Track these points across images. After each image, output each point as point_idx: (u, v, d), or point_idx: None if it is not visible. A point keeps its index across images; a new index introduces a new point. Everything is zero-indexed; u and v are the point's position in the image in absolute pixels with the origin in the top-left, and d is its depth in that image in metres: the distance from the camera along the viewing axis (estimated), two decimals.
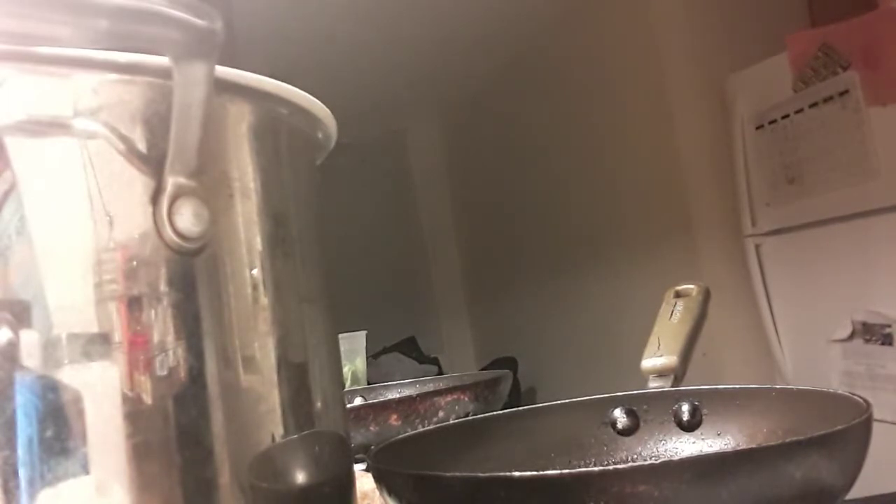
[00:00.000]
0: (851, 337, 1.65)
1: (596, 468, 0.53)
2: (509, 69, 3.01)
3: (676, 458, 0.53)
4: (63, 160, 0.28)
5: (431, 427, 0.63)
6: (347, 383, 1.11)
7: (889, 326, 1.56)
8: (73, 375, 0.27)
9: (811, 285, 1.76)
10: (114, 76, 0.29)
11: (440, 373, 3.20)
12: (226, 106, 0.33)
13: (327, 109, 0.40)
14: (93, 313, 0.28)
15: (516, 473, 0.37)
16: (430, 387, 0.90)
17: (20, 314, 0.27)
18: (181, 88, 0.29)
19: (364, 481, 0.53)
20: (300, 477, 0.34)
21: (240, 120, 0.34)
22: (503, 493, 0.37)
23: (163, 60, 0.29)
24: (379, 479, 0.44)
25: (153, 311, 0.29)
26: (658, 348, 0.63)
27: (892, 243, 1.56)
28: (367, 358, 1.24)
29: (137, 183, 0.29)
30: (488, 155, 3.40)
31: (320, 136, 0.41)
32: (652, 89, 2.25)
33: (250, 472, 0.31)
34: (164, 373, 0.29)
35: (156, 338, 0.29)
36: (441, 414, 0.70)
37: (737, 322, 1.97)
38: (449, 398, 0.70)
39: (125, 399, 0.28)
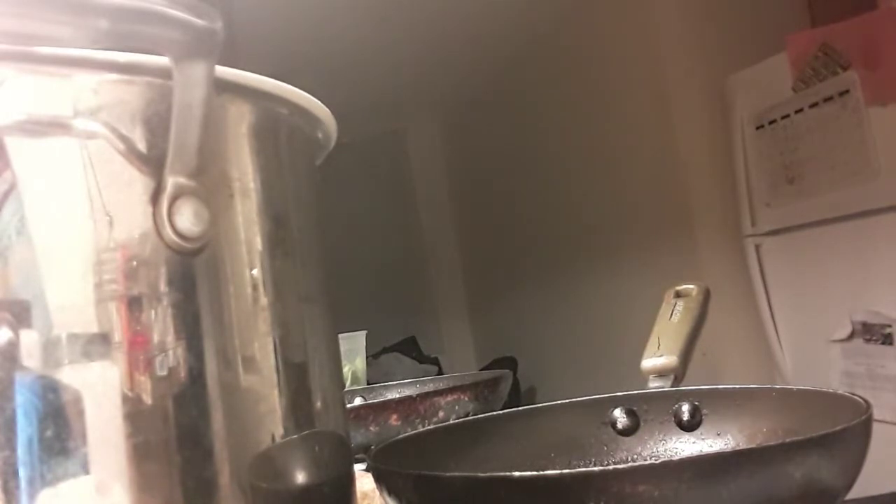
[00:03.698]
0: (851, 337, 1.65)
1: (596, 468, 0.53)
2: (509, 69, 3.01)
3: (676, 458, 0.53)
4: (63, 160, 0.28)
5: (431, 427, 0.63)
6: (347, 383, 1.11)
7: (889, 326, 1.56)
8: (73, 375, 0.27)
9: (811, 285, 1.76)
10: (114, 76, 0.29)
11: (440, 373, 3.20)
12: (226, 106, 0.33)
13: (327, 109, 0.40)
14: (93, 313, 0.28)
15: (516, 473, 0.37)
16: (430, 387, 0.90)
17: (20, 314, 0.27)
18: (181, 88, 0.29)
19: (364, 481, 0.53)
20: (300, 477, 0.34)
21: (240, 120, 0.34)
22: (503, 493, 0.37)
23: (163, 60, 0.29)
24: (379, 479, 0.44)
25: (153, 311, 0.29)
26: (658, 348, 0.63)
27: (892, 243, 1.56)
28: (367, 358, 1.24)
29: (137, 183, 0.29)
30: (488, 154, 3.40)
31: (320, 136, 0.41)
32: (652, 89, 2.25)
33: (250, 472, 0.31)
34: (164, 373, 0.29)
35: (156, 338, 0.29)
36: (441, 414, 0.70)
37: (737, 322, 1.97)
38: (449, 398, 0.70)
39: (125, 399, 0.28)
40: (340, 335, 0.44)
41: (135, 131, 0.29)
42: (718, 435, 0.53)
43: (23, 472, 0.26)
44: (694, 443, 0.54)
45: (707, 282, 0.72)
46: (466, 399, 0.71)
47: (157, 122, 0.30)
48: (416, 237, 3.88)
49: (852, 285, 1.65)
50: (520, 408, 0.60)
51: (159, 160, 0.29)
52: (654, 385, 0.60)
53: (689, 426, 0.54)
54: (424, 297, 3.88)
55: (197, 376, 0.30)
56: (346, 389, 0.98)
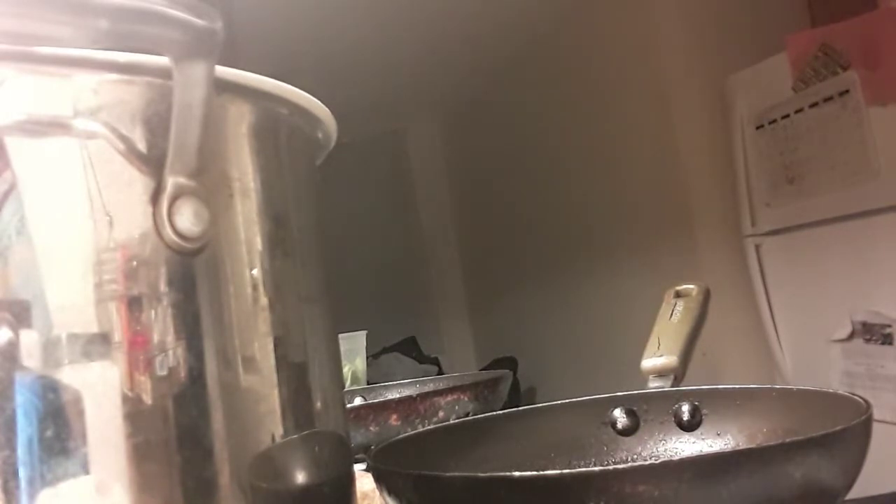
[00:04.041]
0: (851, 337, 1.65)
1: (596, 468, 0.53)
2: (509, 69, 3.01)
3: (676, 458, 0.53)
4: (63, 160, 0.28)
5: (431, 427, 0.63)
6: (347, 383, 1.11)
7: (889, 326, 1.56)
8: (73, 375, 0.27)
9: (811, 285, 1.76)
10: (114, 76, 0.29)
11: (440, 373, 3.20)
12: (226, 106, 0.33)
13: (327, 109, 0.40)
14: (93, 313, 0.28)
15: (516, 473, 0.37)
16: (430, 387, 0.90)
17: (20, 314, 0.27)
18: (181, 88, 0.29)
19: (364, 481, 0.53)
20: (300, 477, 0.34)
21: (240, 120, 0.34)
22: (503, 493, 0.37)
23: (163, 60, 0.29)
24: (379, 479, 0.44)
25: (153, 311, 0.29)
26: (658, 348, 0.63)
27: (892, 243, 1.56)
28: (367, 358, 1.24)
29: (137, 183, 0.29)
30: (488, 154, 3.40)
31: (320, 136, 0.41)
32: (652, 89, 2.25)
33: (250, 472, 0.31)
34: (164, 373, 0.29)
35: (156, 338, 0.29)
36: (441, 414, 0.70)
37: (737, 322, 1.97)
38: (449, 398, 0.70)
39: (125, 399, 0.28)
40: (340, 335, 0.44)
41: (135, 131, 0.29)
42: (718, 435, 0.53)
43: (23, 472, 0.26)
44: (694, 443, 0.54)
45: (707, 282, 0.72)
46: (466, 399, 0.71)
47: (157, 122, 0.30)
48: (416, 237, 3.88)
49: (852, 285, 1.65)
50: (520, 408, 0.60)
51: (159, 160, 0.29)
52: (654, 385, 0.60)
53: (689, 426, 0.54)
54: (424, 297, 3.88)
55: (197, 376, 0.30)
56: (346, 389, 0.98)
